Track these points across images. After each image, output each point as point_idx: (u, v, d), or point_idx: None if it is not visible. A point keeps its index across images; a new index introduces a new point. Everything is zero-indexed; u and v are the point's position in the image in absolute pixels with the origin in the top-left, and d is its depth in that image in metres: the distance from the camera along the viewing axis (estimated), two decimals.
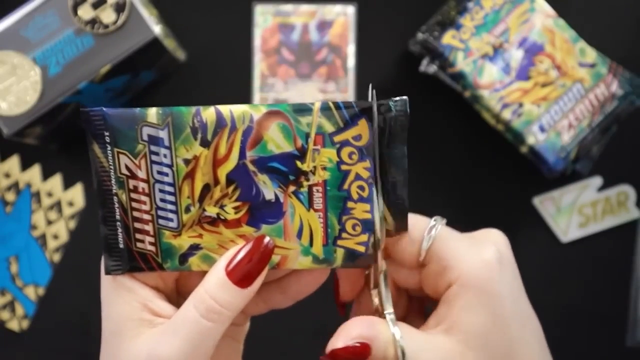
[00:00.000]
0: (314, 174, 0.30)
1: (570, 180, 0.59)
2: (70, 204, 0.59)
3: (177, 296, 0.33)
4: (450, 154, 0.59)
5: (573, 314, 0.58)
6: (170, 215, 0.30)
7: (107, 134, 0.29)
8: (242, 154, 0.29)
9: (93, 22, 0.51)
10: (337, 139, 0.29)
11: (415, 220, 0.31)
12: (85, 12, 0.51)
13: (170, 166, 0.29)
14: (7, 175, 0.59)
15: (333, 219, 0.30)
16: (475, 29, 0.55)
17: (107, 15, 0.51)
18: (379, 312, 0.31)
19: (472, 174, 0.59)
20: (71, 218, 0.59)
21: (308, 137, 0.29)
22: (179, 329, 0.29)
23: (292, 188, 0.30)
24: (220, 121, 0.29)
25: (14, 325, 0.58)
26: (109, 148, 0.29)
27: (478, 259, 0.29)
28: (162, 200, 0.30)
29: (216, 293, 0.29)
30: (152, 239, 0.30)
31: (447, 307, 0.30)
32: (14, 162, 0.59)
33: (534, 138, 0.54)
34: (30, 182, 0.59)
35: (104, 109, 0.29)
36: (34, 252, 0.59)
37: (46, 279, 0.58)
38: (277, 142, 0.29)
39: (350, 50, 0.60)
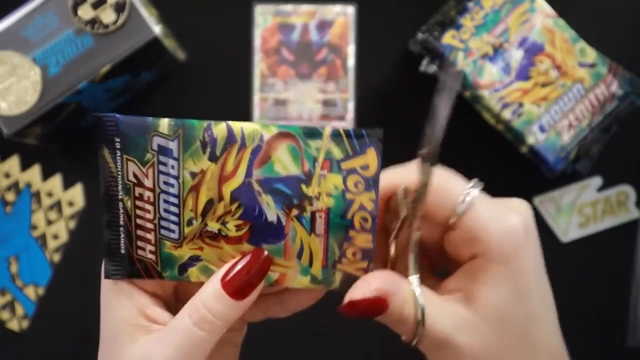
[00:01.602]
0: (318, 199, 0.30)
1: (570, 180, 0.59)
2: (70, 204, 0.59)
3: (175, 302, 0.33)
4: (450, 154, 0.59)
5: (573, 313, 0.58)
6: (172, 226, 0.30)
7: (117, 140, 0.29)
8: (248, 172, 0.29)
9: (93, 22, 0.51)
10: (344, 166, 0.29)
11: (453, 182, 0.30)
12: (85, 12, 0.51)
13: (176, 178, 0.29)
14: (7, 175, 0.59)
15: (334, 244, 0.30)
16: (475, 29, 0.55)
17: (107, 15, 0.51)
18: (392, 263, 0.31)
19: (472, 174, 0.59)
20: (71, 218, 0.59)
21: (316, 162, 0.29)
22: (172, 336, 0.29)
23: (295, 212, 0.30)
24: (230, 137, 0.29)
25: (14, 325, 0.58)
26: (118, 154, 0.29)
27: (505, 231, 0.29)
28: (166, 210, 0.30)
29: (210, 303, 0.29)
30: (152, 248, 0.30)
31: (467, 278, 0.30)
32: (14, 162, 0.59)
33: (534, 138, 0.54)
34: (30, 182, 0.59)
35: (117, 115, 0.29)
36: (34, 252, 0.59)
37: (46, 279, 0.58)
38: (284, 163, 0.29)
39: (350, 50, 0.60)
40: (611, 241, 0.59)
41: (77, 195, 0.59)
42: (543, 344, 0.29)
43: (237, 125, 0.29)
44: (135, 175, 0.29)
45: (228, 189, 0.29)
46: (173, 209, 0.30)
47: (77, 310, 0.58)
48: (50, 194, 0.59)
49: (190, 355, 0.29)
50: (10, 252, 0.59)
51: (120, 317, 0.30)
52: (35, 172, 0.59)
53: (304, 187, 0.30)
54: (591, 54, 0.55)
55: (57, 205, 0.59)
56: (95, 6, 0.51)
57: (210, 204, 0.30)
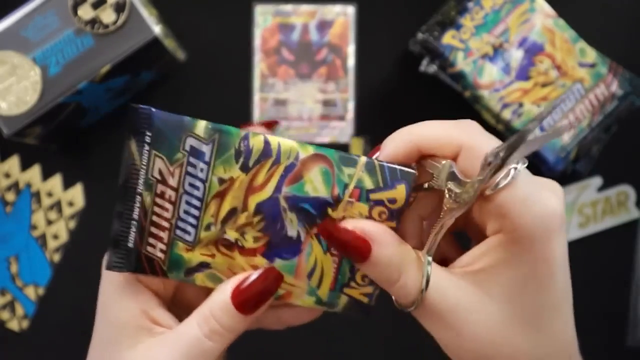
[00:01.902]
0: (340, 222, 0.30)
1: (570, 180, 0.59)
2: (70, 204, 0.59)
3: (171, 304, 0.33)
4: None
5: (573, 313, 0.58)
6: (189, 228, 0.30)
7: (149, 134, 0.29)
8: (278, 188, 0.29)
9: (93, 22, 0.51)
10: (373, 196, 0.29)
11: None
12: (85, 12, 0.51)
13: (203, 181, 0.29)
14: (7, 175, 0.59)
15: (346, 267, 0.30)
16: (475, 29, 0.55)
17: (107, 15, 0.51)
18: None
19: None
20: (71, 218, 0.59)
21: (346, 188, 0.29)
22: (180, 344, 0.29)
23: (315, 230, 0.30)
24: (266, 151, 0.29)
25: (14, 325, 0.58)
26: (146, 148, 0.29)
27: (542, 214, 0.27)
28: (186, 212, 0.29)
29: (220, 316, 0.29)
30: (164, 247, 0.30)
31: (487, 254, 0.28)
32: (14, 162, 0.59)
33: (534, 138, 0.54)
34: (30, 182, 0.59)
35: (153, 108, 0.28)
36: (34, 252, 0.59)
37: (46, 279, 0.58)
38: (315, 185, 0.29)
39: (350, 50, 0.60)
40: (611, 241, 0.59)
41: (77, 195, 0.59)
42: (555, 336, 0.28)
43: (274, 140, 0.29)
44: (160, 172, 0.29)
45: (254, 200, 0.29)
46: (194, 211, 0.29)
47: (77, 310, 0.58)
48: (50, 194, 0.59)
49: None
50: (10, 252, 0.59)
51: (122, 318, 0.29)
52: (35, 172, 0.59)
53: (329, 210, 0.29)
54: (591, 54, 0.55)
55: (57, 205, 0.59)
56: (95, 6, 0.51)
57: (233, 212, 0.29)
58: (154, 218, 0.29)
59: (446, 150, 0.28)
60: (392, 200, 0.29)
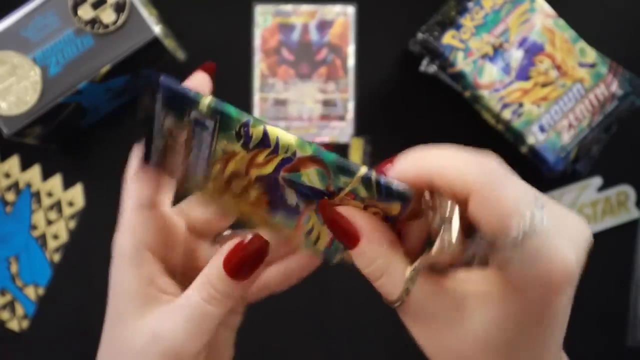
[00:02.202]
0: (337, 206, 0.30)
1: (570, 180, 0.59)
2: (70, 204, 0.59)
3: (182, 278, 0.34)
4: None
5: (573, 313, 0.58)
6: (200, 172, 0.31)
7: (159, 95, 0.29)
8: (276, 171, 0.30)
9: (93, 22, 0.51)
10: (367, 202, 0.29)
11: (511, 200, 0.26)
12: (85, 12, 0.51)
13: (208, 147, 0.30)
14: (7, 175, 0.59)
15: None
16: (475, 29, 0.55)
17: (107, 15, 0.51)
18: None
19: None
20: (71, 218, 0.59)
21: (341, 190, 0.29)
22: (183, 309, 0.30)
23: (313, 207, 0.30)
24: (264, 141, 0.29)
25: (14, 325, 0.58)
26: (158, 105, 0.29)
27: (545, 275, 0.25)
28: (195, 162, 0.31)
29: (215, 283, 0.30)
30: (180, 176, 0.31)
31: (482, 278, 0.27)
32: (14, 162, 0.59)
33: (534, 138, 0.54)
34: (30, 182, 0.59)
35: (162, 78, 0.29)
36: (34, 252, 0.59)
37: (46, 279, 0.58)
38: (311, 179, 0.29)
39: (350, 50, 0.60)
40: (611, 241, 0.59)
41: (77, 195, 0.59)
42: None
43: (273, 133, 0.29)
44: (170, 128, 0.30)
45: (255, 172, 0.30)
46: (202, 162, 0.30)
47: (77, 310, 0.58)
48: (50, 194, 0.59)
49: (201, 328, 0.30)
50: (10, 252, 0.59)
51: (131, 288, 0.31)
52: (35, 172, 0.59)
53: (326, 198, 0.30)
54: (591, 54, 0.55)
55: (57, 205, 0.59)
56: (95, 6, 0.51)
57: (236, 174, 0.30)
58: (168, 159, 0.31)
59: (456, 188, 0.27)
60: (386, 209, 0.29)
